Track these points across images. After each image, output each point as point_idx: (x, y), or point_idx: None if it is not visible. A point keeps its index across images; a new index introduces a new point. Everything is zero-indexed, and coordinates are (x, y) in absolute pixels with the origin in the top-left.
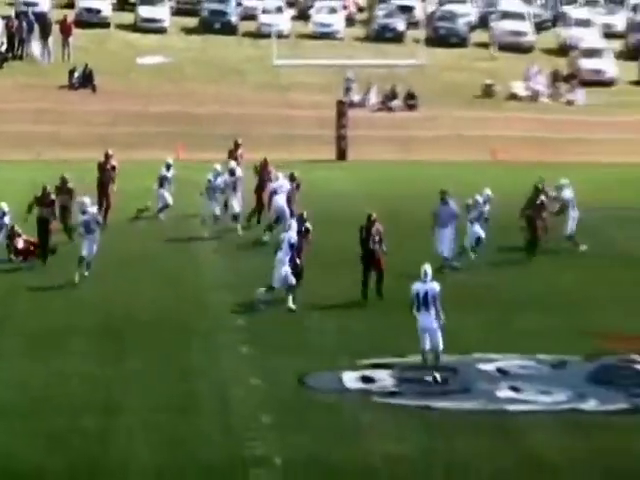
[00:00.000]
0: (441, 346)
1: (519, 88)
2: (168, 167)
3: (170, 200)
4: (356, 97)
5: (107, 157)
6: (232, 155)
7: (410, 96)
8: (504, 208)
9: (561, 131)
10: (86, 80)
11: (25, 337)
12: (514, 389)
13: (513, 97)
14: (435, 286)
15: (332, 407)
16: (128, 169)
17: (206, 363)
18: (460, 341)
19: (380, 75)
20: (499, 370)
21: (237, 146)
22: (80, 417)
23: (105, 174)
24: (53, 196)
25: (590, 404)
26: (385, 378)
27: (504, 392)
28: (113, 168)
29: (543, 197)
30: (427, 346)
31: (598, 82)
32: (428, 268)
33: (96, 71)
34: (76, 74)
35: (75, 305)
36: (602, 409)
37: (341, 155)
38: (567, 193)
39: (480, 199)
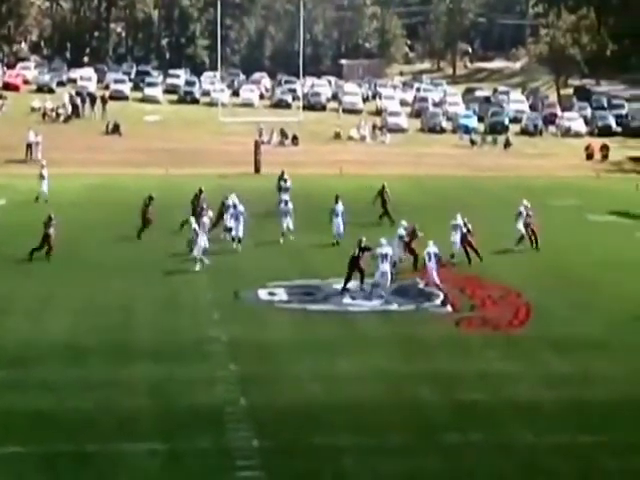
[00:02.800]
0: None
1: (354, 133)
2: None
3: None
4: (265, 138)
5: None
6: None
7: (294, 138)
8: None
9: (376, 157)
10: (115, 129)
11: None
12: (352, 298)
13: (350, 138)
14: None
15: (251, 310)
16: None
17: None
18: (322, 271)
19: (277, 125)
20: (343, 288)
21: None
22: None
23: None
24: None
25: (394, 306)
26: (281, 292)
27: (347, 300)
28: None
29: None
30: None
31: (398, 130)
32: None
33: (121, 123)
34: (110, 126)
35: None
36: (399, 309)
37: (257, 170)
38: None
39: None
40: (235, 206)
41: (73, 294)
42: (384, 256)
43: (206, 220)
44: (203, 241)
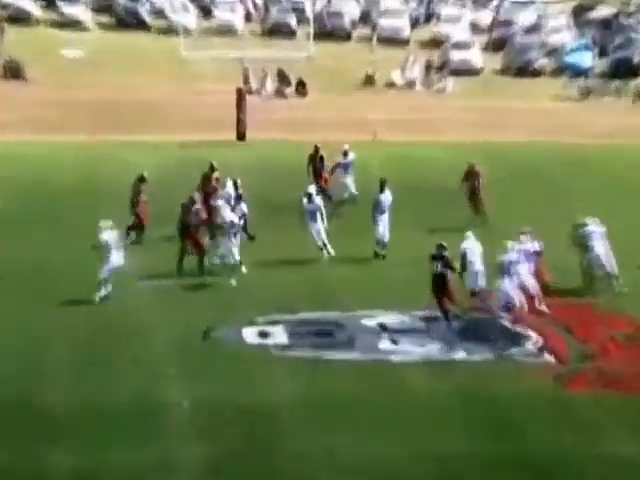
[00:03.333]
0: None
1: (397, 76)
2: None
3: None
4: (254, 84)
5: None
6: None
7: (300, 84)
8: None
9: (432, 114)
10: (15, 71)
11: None
12: (393, 341)
13: (391, 85)
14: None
15: (233, 358)
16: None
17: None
18: (344, 298)
19: (274, 65)
20: (380, 325)
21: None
22: None
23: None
24: None
25: (460, 354)
26: (280, 333)
27: (384, 344)
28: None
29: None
30: None
31: (466, 71)
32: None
33: (24, 63)
34: (7, 65)
35: None
36: (469, 359)
37: (241, 136)
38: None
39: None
40: (238, 198)
41: None
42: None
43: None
44: (231, 244)
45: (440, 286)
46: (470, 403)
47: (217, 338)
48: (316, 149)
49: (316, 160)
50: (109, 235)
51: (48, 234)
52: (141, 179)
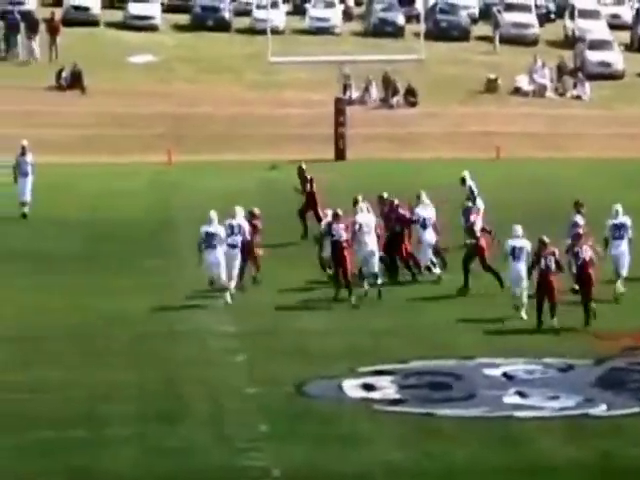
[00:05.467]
0: None
1: (523, 81)
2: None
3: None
4: (355, 94)
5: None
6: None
7: (410, 92)
8: (504, 210)
9: (565, 126)
10: (75, 80)
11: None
12: (521, 394)
13: (517, 91)
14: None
15: (331, 416)
16: (115, 172)
17: (198, 371)
18: (462, 345)
19: (379, 71)
20: (505, 375)
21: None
22: (65, 428)
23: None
24: None
25: (600, 409)
26: (387, 385)
27: (511, 398)
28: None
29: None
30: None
31: (606, 75)
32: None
33: (85, 71)
34: (64, 74)
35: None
36: (612, 414)
37: (340, 154)
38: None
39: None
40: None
41: None
42: None
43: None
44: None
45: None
46: (615, 472)
47: (311, 392)
48: None
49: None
50: (214, 228)
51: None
52: (252, 215)
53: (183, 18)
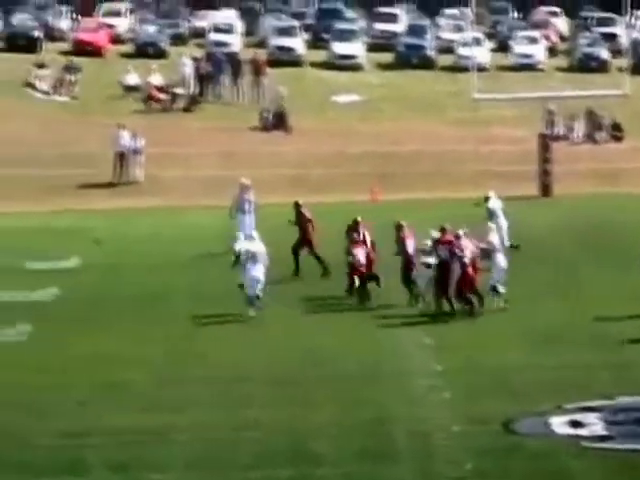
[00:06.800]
0: None
1: None
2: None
3: None
4: (560, 129)
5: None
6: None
7: (615, 127)
8: None
9: None
10: (279, 121)
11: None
12: None
13: None
14: None
15: (539, 453)
16: (320, 211)
17: (404, 409)
18: None
19: (584, 106)
20: None
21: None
22: (273, 467)
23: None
24: None
25: None
26: (594, 422)
27: None
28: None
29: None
30: None
31: None
32: None
33: (290, 111)
34: (269, 115)
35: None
36: None
37: (545, 191)
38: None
39: None
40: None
41: None
42: None
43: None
44: None
45: None
46: None
47: (519, 429)
48: None
49: None
50: (253, 245)
51: None
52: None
53: (387, 57)
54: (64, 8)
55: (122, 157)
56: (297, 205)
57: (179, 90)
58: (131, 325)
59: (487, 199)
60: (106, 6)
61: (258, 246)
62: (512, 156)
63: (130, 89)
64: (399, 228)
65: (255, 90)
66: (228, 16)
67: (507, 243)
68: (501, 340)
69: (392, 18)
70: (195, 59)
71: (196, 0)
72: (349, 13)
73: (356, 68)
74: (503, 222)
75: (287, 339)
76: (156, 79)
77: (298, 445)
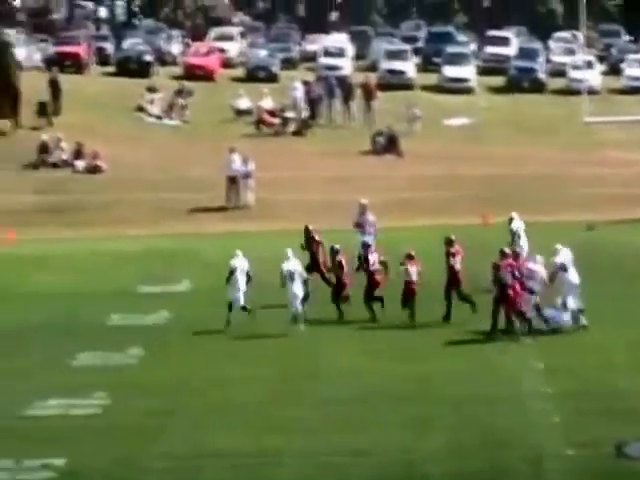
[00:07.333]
0: None
1: None
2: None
3: None
4: None
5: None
6: None
7: None
8: None
9: None
10: (391, 144)
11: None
12: None
13: None
14: None
15: None
16: (430, 234)
17: (516, 433)
18: None
19: None
20: None
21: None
22: None
23: None
24: None
25: None
26: None
27: None
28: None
29: None
30: None
31: None
32: None
33: (401, 134)
34: (380, 139)
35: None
36: None
37: None
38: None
39: None
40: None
41: None
42: None
43: None
44: None
45: None
46: None
47: (632, 453)
48: None
49: None
50: (292, 265)
51: None
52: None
53: (498, 80)
54: (175, 32)
55: (233, 181)
56: (307, 230)
57: (290, 114)
58: (242, 347)
59: (510, 220)
60: (217, 30)
61: (295, 265)
62: (626, 179)
63: (241, 113)
64: (449, 243)
65: (366, 114)
66: (339, 40)
67: None
68: (610, 362)
69: (503, 41)
70: (306, 83)
71: (307, 24)
72: (460, 36)
73: (467, 91)
74: (525, 243)
75: (400, 362)
76: (267, 103)
77: (412, 470)
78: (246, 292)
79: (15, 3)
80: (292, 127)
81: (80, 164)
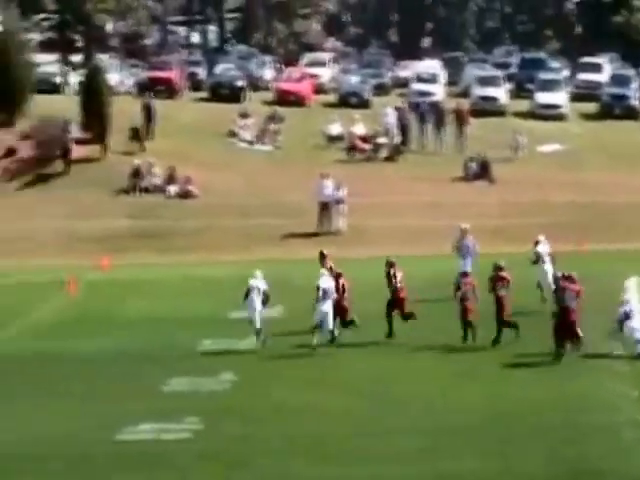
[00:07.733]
0: None
1: None
2: None
3: None
4: None
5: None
6: None
7: None
8: None
9: None
10: (483, 170)
11: None
12: None
13: None
14: None
15: None
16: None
17: (612, 462)
18: None
19: None
20: None
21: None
22: None
23: None
24: None
25: None
26: None
27: None
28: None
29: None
30: None
31: None
32: None
33: (493, 160)
34: (472, 164)
35: None
36: None
37: None
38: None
39: None
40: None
41: None
42: None
43: None
44: None
45: None
46: None
47: None
48: None
49: None
50: (324, 282)
51: None
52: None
53: (590, 106)
54: (267, 58)
55: (325, 207)
56: (322, 255)
57: (382, 140)
58: (335, 375)
59: (537, 243)
60: (309, 56)
61: (328, 283)
62: None
63: (333, 139)
64: (497, 269)
65: (457, 140)
66: (431, 66)
67: (553, 287)
68: None
69: (596, 68)
70: (398, 109)
71: (399, 50)
72: (553, 63)
73: (559, 118)
74: (549, 267)
75: (490, 389)
76: (359, 129)
77: None
78: (261, 312)
79: (107, 28)
80: (384, 153)
81: (172, 189)
